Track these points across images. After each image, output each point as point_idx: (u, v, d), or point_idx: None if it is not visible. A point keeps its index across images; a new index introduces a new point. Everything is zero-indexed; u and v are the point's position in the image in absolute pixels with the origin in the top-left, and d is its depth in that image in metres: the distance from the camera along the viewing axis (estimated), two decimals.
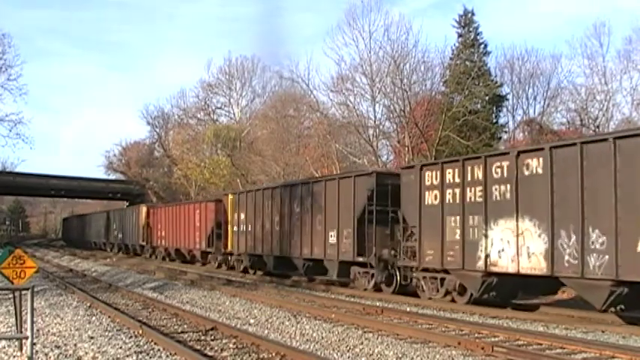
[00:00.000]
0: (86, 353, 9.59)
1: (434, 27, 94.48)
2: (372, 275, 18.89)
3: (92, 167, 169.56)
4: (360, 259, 18.98)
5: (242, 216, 26.63)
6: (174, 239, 36.11)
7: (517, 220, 13.90)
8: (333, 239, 20.11)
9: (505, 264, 14.21)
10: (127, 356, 9.36)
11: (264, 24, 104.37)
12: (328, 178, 21.81)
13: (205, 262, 32.37)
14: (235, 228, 27.19)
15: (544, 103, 40.56)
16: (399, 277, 18.12)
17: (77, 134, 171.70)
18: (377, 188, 18.56)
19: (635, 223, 11.62)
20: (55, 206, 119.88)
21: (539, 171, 13.55)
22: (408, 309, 15.31)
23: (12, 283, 9.49)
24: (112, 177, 74.77)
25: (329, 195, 20.47)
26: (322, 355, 9.60)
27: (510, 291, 15.24)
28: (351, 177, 19.70)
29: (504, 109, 40.48)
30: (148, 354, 9.44)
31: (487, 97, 37.10)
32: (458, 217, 15.47)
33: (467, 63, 37.15)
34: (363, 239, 18.73)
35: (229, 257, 29.10)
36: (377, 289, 18.85)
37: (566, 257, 12.77)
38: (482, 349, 9.76)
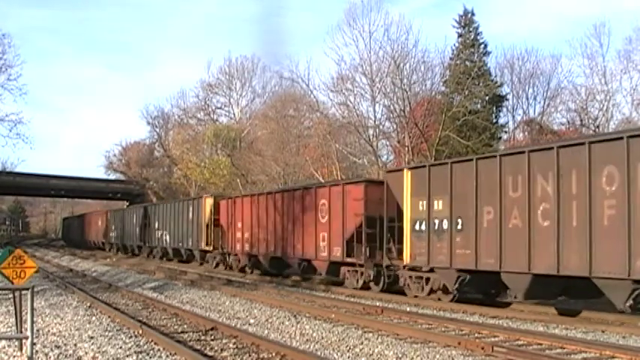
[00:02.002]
0: (86, 353, 9.59)
1: (434, 27, 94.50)
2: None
3: (92, 167, 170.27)
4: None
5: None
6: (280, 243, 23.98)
7: None
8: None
9: None
10: (127, 356, 9.36)
11: (264, 24, 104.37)
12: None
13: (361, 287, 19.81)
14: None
15: (544, 103, 40.63)
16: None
17: (77, 134, 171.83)
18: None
19: None
20: (55, 206, 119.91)
21: None
22: (408, 309, 15.31)
23: (12, 283, 9.48)
24: (112, 177, 74.84)
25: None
26: (322, 355, 9.60)
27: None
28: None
29: (504, 109, 40.55)
30: (147, 354, 9.44)
31: (487, 97, 37.12)
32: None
33: (467, 63, 37.16)
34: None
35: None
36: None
37: None
38: (482, 349, 9.76)
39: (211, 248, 29.87)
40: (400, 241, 17.45)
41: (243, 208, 26.78)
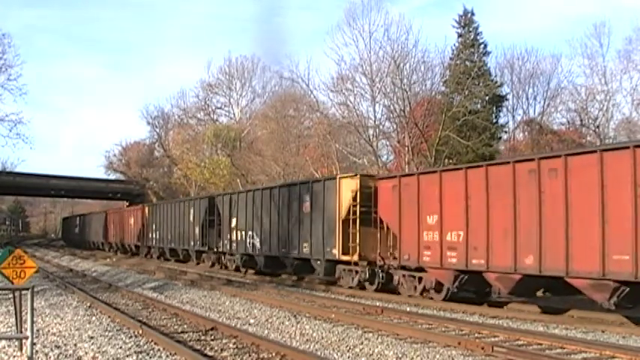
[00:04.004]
0: (86, 353, 9.59)
1: (434, 27, 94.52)
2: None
3: (92, 167, 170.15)
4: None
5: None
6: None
7: None
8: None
9: None
10: (127, 356, 9.36)
11: (264, 23, 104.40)
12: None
13: None
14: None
15: (544, 103, 40.64)
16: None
17: (77, 134, 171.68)
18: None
19: None
20: (55, 206, 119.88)
21: None
22: (408, 309, 15.31)
23: (12, 283, 9.49)
24: (112, 177, 74.82)
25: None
26: (322, 355, 9.60)
27: None
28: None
29: (504, 109, 40.55)
30: (147, 354, 9.44)
31: (487, 97, 37.11)
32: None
33: (467, 63, 37.14)
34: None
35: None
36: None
37: None
38: (482, 349, 9.76)
39: (355, 258, 18.77)
40: None
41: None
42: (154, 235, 38.23)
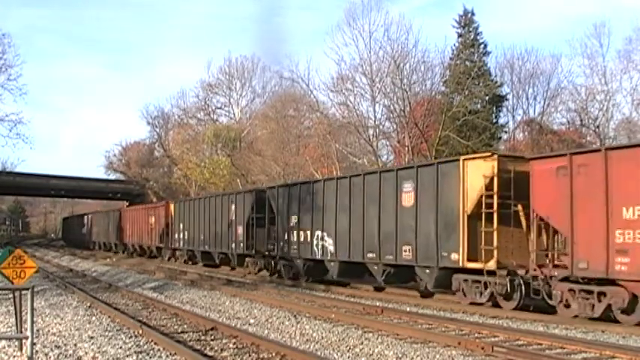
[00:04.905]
0: (86, 353, 9.59)
1: (434, 27, 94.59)
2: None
3: (92, 167, 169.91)
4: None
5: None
6: None
7: None
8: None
9: None
10: (127, 356, 9.35)
11: (264, 23, 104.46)
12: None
13: None
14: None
15: (544, 103, 40.62)
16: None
17: (77, 134, 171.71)
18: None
19: None
20: (55, 206, 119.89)
21: None
22: (408, 309, 15.30)
23: (12, 283, 9.49)
24: (112, 177, 74.86)
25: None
26: (322, 355, 9.60)
27: None
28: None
29: (504, 109, 40.56)
30: (147, 354, 9.44)
31: (487, 97, 37.13)
32: None
33: (467, 63, 37.17)
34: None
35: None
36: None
37: None
38: (482, 349, 9.76)
39: (492, 265, 14.71)
40: None
41: None
42: (181, 236, 33.41)
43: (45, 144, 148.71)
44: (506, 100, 40.36)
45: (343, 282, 20.87)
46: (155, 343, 10.26)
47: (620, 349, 9.78)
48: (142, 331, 11.23)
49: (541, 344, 10.51)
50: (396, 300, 17.13)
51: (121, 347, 9.95)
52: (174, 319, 13.35)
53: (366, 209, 18.60)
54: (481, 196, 14.83)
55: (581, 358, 9.68)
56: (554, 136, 37.44)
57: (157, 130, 67.51)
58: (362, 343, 10.50)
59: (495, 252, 14.60)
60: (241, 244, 26.08)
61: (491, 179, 14.70)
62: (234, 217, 26.94)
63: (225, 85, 61.18)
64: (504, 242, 14.73)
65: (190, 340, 10.84)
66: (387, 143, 39.29)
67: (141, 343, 10.27)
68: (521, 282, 14.32)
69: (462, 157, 15.79)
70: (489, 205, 14.74)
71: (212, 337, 11.09)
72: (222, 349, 10.04)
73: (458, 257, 15.25)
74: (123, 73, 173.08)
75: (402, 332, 11.48)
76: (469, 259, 15.05)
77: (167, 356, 9.31)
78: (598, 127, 35.57)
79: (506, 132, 41.00)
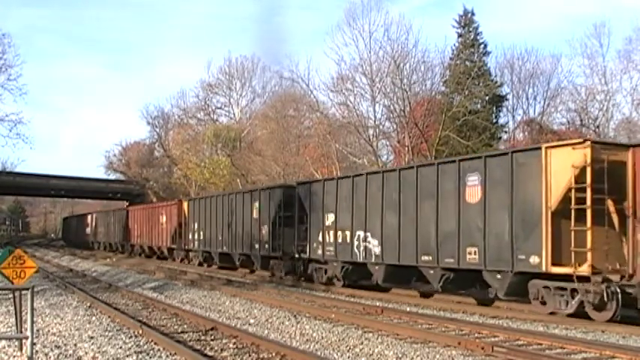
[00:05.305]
0: (86, 353, 9.59)
1: (434, 27, 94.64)
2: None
3: (92, 167, 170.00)
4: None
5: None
6: None
7: None
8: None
9: None
10: (127, 356, 9.35)
11: (263, 23, 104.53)
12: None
13: None
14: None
15: (544, 103, 40.68)
16: None
17: (77, 134, 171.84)
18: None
19: None
20: (55, 206, 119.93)
21: None
22: (408, 309, 15.30)
23: (12, 283, 9.48)
24: (112, 177, 74.89)
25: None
26: (322, 355, 9.60)
27: None
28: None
29: (504, 109, 40.64)
30: (147, 354, 9.44)
31: (487, 97, 37.19)
32: None
33: (467, 63, 37.22)
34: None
35: None
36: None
37: None
38: (482, 349, 9.76)
39: (585, 270, 12.71)
40: None
41: None
42: (195, 237, 31.18)
43: (45, 144, 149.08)
44: (506, 100, 40.46)
45: (386, 288, 19.25)
46: (155, 343, 10.26)
47: (620, 349, 9.78)
48: (142, 331, 11.22)
49: (541, 344, 10.51)
50: (396, 300, 17.12)
51: (121, 347, 9.95)
52: (174, 319, 13.35)
53: (419, 206, 16.50)
54: (568, 190, 12.83)
55: (581, 358, 9.67)
56: (554, 136, 37.39)
57: (157, 130, 67.62)
58: (362, 343, 10.50)
59: (589, 255, 12.51)
60: (266, 245, 24.00)
61: (583, 170, 12.66)
62: (257, 216, 24.87)
63: (225, 85, 61.27)
64: (598, 244, 12.65)
65: (190, 340, 10.84)
66: (387, 143, 39.36)
67: (141, 343, 10.27)
68: (618, 290, 12.38)
69: (545, 145, 13.77)
70: (580, 201, 12.70)
71: (212, 337, 11.09)
72: (222, 349, 10.04)
73: (539, 261, 13.20)
74: (123, 73, 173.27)
75: (402, 332, 11.47)
76: (554, 263, 13.06)
77: (167, 356, 9.31)
78: (598, 127, 35.58)
79: (506, 132, 41.09)
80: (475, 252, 14.73)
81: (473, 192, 14.90)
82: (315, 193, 21.19)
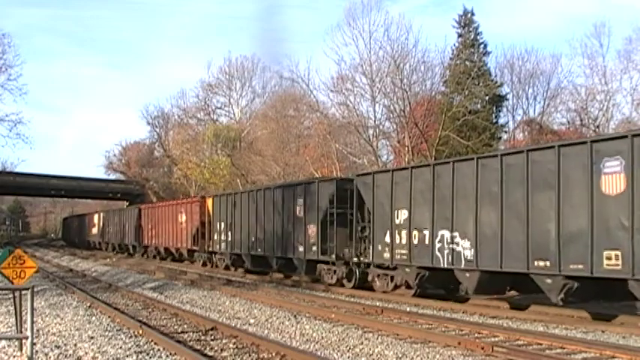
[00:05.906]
0: (86, 353, 9.59)
1: (434, 27, 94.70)
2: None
3: (92, 167, 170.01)
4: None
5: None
6: None
7: None
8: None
9: None
10: (127, 356, 9.35)
11: (263, 22, 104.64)
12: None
13: None
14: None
15: (544, 103, 40.71)
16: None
17: (77, 134, 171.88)
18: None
19: None
20: (55, 206, 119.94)
21: None
22: (408, 309, 15.30)
23: (12, 283, 9.49)
24: (112, 177, 74.96)
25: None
26: (322, 355, 9.60)
27: None
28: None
29: (504, 109, 40.64)
30: (147, 354, 9.44)
31: (487, 97, 37.19)
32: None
33: (467, 63, 37.22)
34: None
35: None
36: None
37: None
38: (482, 349, 9.76)
39: None
40: None
41: None
42: (222, 237, 27.90)
43: (45, 144, 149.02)
44: (506, 100, 40.46)
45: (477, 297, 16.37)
46: (155, 343, 10.26)
47: (620, 349, 9.77)
48: (142, 331, 11.23)
49: (541, 344, 10.51)
50: (396, 300, 17.10)
51: (121, 347, 9.95)
52: (174, 319, 13.35)
53: (530, 199, 13.35)
54: None
55: (581, 358, 9.67)
56: (554, 136, 37.43)
57: (157, 130, 67.63)
58: (362, 343, 10.50)
59: None
60: (314, 248, 20.69)
61: None
62: (302, 214, 21.56)
63: (225, 85, 61.29)
64: None
65: (190, 340, 10.84)
66: (387, 143, 39.35)
67: (141, 343, 10.27)
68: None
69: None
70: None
71: (212, 337, 11.09)
72: (222, 349, 10.04)
73: None
74: (123, 73, 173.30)
75: (402, 332, 11.47)
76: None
77: (167, 356, 9.31)
78: (598, 127, 35.57)
79: (506, 132, 41.09)
80: (616, 257, 11.75)
81: (612, 181, 11.96)
82: (381, 185, 17.92)
